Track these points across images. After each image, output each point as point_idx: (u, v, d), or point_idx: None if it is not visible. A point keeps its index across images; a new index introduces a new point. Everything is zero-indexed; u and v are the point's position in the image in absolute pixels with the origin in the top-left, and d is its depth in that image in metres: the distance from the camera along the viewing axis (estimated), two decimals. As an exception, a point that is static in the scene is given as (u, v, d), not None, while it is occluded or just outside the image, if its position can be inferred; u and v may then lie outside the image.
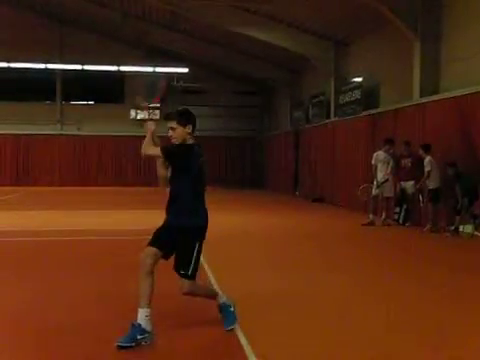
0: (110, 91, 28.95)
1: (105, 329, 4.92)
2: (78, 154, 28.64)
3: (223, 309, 4.91)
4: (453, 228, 11.20)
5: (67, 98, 28.74)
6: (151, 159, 4.93)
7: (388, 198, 13.33)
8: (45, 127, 28.09)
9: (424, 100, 13.25)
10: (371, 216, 13.10)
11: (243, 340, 4.60)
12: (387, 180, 13.14)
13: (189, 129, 4.68)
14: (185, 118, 4.69)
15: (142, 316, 4.45)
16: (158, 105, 4.38)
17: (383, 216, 13.14)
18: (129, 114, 28.56)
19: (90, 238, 10.79)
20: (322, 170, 20.15)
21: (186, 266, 4.64)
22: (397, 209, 13.16)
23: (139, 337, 4.38)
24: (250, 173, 29.26)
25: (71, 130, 28.48)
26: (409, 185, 12.78)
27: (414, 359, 4.37)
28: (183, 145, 4.67)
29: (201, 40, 23.69)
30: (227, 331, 4.77)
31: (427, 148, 11.96)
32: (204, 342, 4.65)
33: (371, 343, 4.67)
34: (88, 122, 28.42)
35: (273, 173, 27.58)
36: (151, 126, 4.83)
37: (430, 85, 13.32)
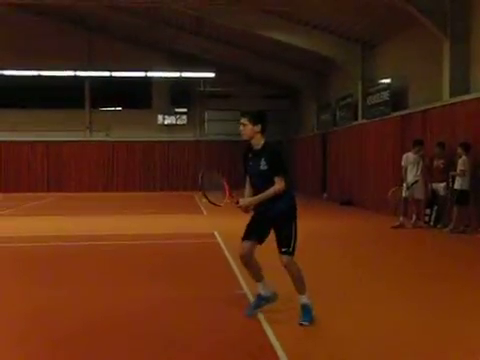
0: (138, 97, 29.20)
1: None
2: (107, 160, 28.97)
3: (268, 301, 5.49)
4: (486, 230, 11.00)
5: (95, 104, 29.10)
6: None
7: (419, 200, 13.14)
8: (74, 133, 28.48)
9: (454, 100, 13.03)
10: (401, 218, 12.93)
11: (272, 337, 4.62)
12: (417, 181, 12.97)
13: (258, 128, 5.28)
14: (256, 118, 5.29)
15: (259, 287, 5.44)
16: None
17: (414, 218, 12.96)
18: (157, 119, 28.81)
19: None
20: (350, 173, 19.98)
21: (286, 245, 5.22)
22: (428, 211, 12.97)
23: (263, 302, 5.40)
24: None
25: (100, 136, 28.83)
26: (441, 186, 12.58)
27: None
28: (279, 155, 5.28)
29: (227, 44, 23.75)
30: (250, 319, 5.19)
31: (467, 148, 11.68)
32: (231, 337, 4.66)
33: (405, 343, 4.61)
34: (116, 128, 28.73)
35: (300, 176, 27.44)
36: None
37: (460, 85, 13.09)
